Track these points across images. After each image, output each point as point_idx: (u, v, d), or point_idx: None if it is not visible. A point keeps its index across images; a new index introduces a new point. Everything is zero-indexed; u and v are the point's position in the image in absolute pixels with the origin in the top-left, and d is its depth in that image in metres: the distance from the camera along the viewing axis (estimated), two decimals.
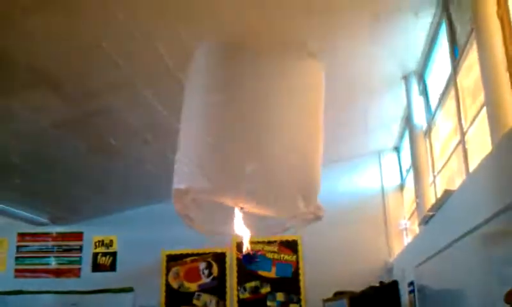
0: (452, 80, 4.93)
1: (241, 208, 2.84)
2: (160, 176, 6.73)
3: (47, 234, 9.55)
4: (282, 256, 8.57)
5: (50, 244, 9.52)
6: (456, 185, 4.84)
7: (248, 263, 2.65)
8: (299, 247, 8.57)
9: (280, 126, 2.79)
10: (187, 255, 8.85)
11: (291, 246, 8.56)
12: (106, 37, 4.28)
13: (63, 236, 9.52)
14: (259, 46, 2.90)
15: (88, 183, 7.70)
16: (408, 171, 7.76)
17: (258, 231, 3.03)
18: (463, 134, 4.66)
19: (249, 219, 2.90)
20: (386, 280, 7.55)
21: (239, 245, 2.92)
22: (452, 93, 4.95)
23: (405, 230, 8.18)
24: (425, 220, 5.14)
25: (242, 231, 2.89)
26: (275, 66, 2.82)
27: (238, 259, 8.45)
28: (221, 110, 2.74)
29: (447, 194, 4.21)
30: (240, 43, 2.89)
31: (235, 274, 8.62)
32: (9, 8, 3.74)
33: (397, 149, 8.59)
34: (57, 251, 9.49)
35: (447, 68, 5.07)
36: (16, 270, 9.34)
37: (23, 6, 3.77)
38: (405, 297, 6.47)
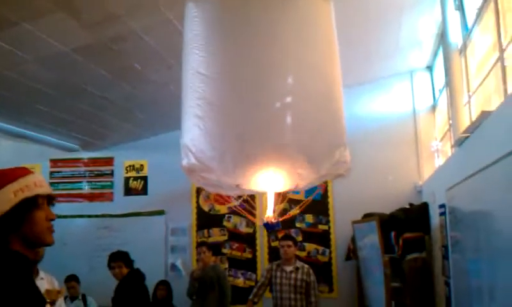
0: None
1: (236, 186, 2.78)
2: None
3: (78, 159, 9.72)
4: None
5: (82, 169, 9.72)
6: (492, 105, 4.63)
7: (270, 230, 2.67)
8: None
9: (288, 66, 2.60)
10: None
11: None
12: None
13: (94, 161, 9.68)
14: None
15: (114, 109, 7.67)
16: (440, 91, 7.48)
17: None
18: (502, 50, 4.39)
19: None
20: (416, 202, 7.49)
21: None
22: (491, 5, 4.64)
23: (436, 152, 7.99)
24: (459, 142, 4.96)
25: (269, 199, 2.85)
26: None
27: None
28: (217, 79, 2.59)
29: (484, 115, 4.01)
30: None
31: (264, 196, 8.63)
32: None
33: (429, 68, 8.25)
34: (89, 176, 9.68)
35: None
36: None
37: None
38: (435, 219, 6.40)
